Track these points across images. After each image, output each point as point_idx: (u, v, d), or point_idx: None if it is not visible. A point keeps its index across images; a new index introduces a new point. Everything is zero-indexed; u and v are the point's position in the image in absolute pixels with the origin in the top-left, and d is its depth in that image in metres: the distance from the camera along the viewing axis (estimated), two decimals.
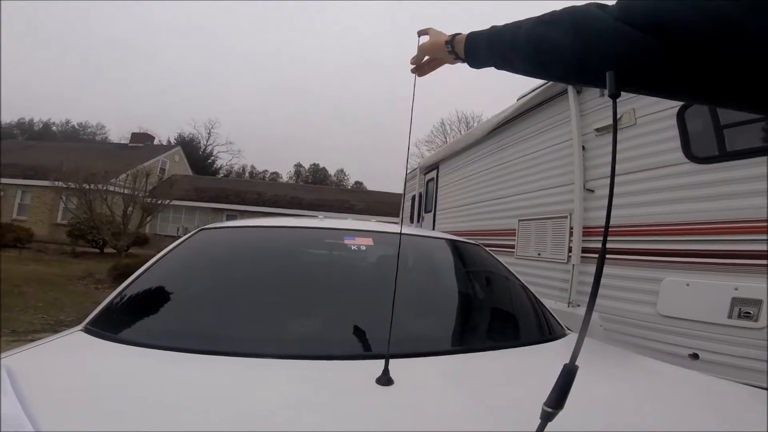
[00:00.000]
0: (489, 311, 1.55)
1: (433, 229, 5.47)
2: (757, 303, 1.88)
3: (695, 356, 2.06)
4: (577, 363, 0.48)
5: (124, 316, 1.14)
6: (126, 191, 11.59)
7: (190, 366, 0.87)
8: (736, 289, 1.95)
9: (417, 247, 1.70)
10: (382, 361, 0.86)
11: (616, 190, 2.23)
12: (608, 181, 1.82)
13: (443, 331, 1.34)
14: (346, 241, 1.50)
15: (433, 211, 5.82)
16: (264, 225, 1.65)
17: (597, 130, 2.84)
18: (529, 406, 0.72)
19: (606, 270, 1.78)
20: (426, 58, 0.92)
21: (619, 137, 2.51)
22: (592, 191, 2.83)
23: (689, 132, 2.23)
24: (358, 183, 55.98)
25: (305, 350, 1.02)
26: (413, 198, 7.09)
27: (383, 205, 21.09)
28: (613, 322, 2.41)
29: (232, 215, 20.45)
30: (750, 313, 1.91)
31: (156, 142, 28.21)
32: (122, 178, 12.16)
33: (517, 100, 3.85)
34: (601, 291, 1.71)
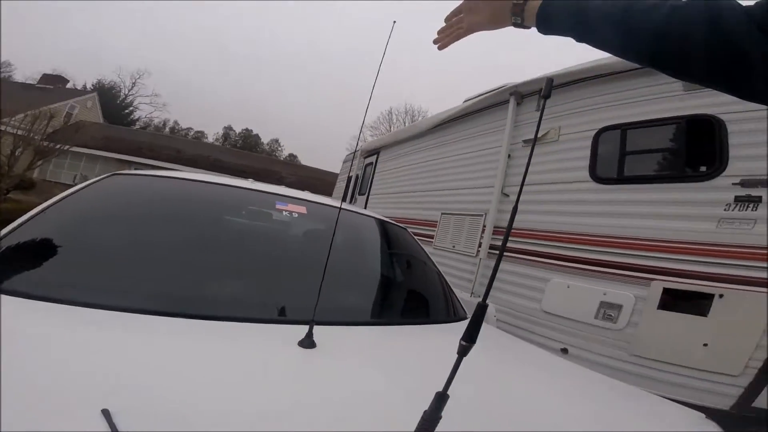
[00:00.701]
0: (407, 290, 1.70)
1: None
2: (619, 307, 2.25)
3: (565, 350, 2.41)
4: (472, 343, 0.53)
5: (9, 263, 0.99)
6: (21, 132, 10.44)
7: (99, 323, 0.81)
8: (605, 294, 2.32)
9: (350, 222, 1.70)
10: (306, 327, 0.91)
11: (530, 197, 2.53)
12: (526, 188, 2.06)
13: (364, 303, 1.44)
14: (278, 206, 1.47)
15: (366, 194, 5.94)
16: (191, 178, 1.52)
17: (524, 141, 3.13)
18: (431, 377, 0.89)
19: (504, 266, 2.06)
20: (458, 18, 0.83)
21: (541, 150, 2.84)
22: (508, 196, 3.14)
23: (598, 154, 2.56)
24: (292, 156, 53.40)
25: (228, 311, 1.01)
26: (349, 179, 7.17)
27: (316, 181, 20.26)
28: (504, 313, 2.75)
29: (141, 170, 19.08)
30: (611, 315, 2.28)
31: (70, 86, 25.79)
32: (19, 118, 10.97)
33: (464, 101, 4.05)
34: (498, 284, 1.97)
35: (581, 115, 2.72)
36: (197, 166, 19.84)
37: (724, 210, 1.95)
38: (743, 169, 1.93)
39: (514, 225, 2.38)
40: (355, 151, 7.17)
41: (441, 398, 0.51)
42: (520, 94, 3.25)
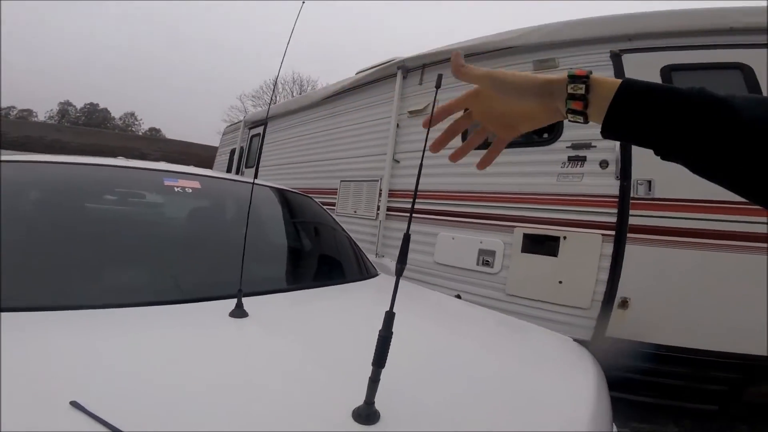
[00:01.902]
0: (322, 255, 1.79)
1: None
2: (493, 253, 2.70)
3: (458, 297, 2.83)
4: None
5: None
6: None
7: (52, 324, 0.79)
8: (481, 242, 2.76)
9: (255, 194, 1.69)
10: (234, 300, 0.95)
11: (417, 162, 2.85)
12: (412, 154, 2.38)
13: (284, 271, 1.53)
14: (167, 183, 1.38)
15: (255, 167, 5.74)
16: (62, 161, 1.35)
17: (410, 112, 3.38)
18: (358, 329, 1.03)
19: (401, 226, 2.42)
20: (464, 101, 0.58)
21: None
22: (398, 162, 3.43)
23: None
24: (153, 129, 46.34)
25: (148, 297, 1.00)
26: (232, 152, 6.83)
27: (188, 156, 17.77)
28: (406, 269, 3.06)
29: None
30: (488, 261, 2.73)
31: None
32: None
33: (356, 73, 4.14)
34: (397, 243, 2.31)
35: (457, 90, 3.08)
36: (27, 149, 15.46)
37: (561, 167, 2.43)
38: (573, 135, 2.40)
39: (406, 188, 2.72)
40: (242, 121, 6.81)
41: (390, 317, 0.60)
42: (406, 68, 3.47)
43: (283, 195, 1.89)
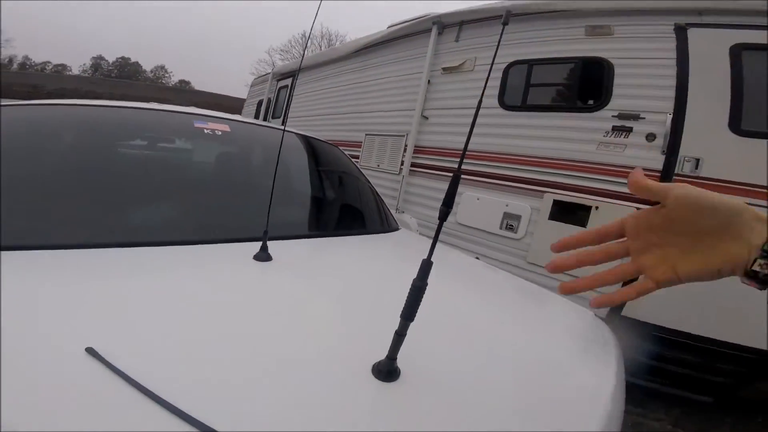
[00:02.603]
0: (345, 204, 1.78)
1: None
2: (518, 218, 2.62)
3: (477, 259, 2.78)
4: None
5: None
6: None
7: (64, 264, 0.77)
8: (507, 206, 2.67)
9: (285, 141, 1.70)
10: (258, 243, 0.95)
11: (446, 120, 2.76)
12: (442, 111, 2.49)
13: (308, 218, 1.53)
14: (197, 125, 1.38)
15: (283, 117, 5.76)
16: (92, 104, 1.35)
17: (443, 69, 3.25)
18: (379, 280, 1.04)
19: (424, 182, 2.32)
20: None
21: (459, 78, 3.03)
22: (427, 118, 3.32)
23: (507, 85, 2.80)
24: (183, 82, 47.26)
25: (179, 236, 1.01)
26: (260, 102, 6.88)
27: (217, 107, 18.06)
28: (425, 227, 3.01)
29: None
30: (513, 225, 2.65)
31: None
32: None
33: (388, 27, 4.00)
34: (419, 200, 2.64)
35: (494, 49, 2.91)
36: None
37: (603, 136, 2.31)
38: (621, 105, 2.26)
39: (433, 144, 2.60)
40: (272, 72, 6.79)
41: (427, 266, 0.56)
42: (442, 24, 3.31)
43: (310, 143, 1.86)
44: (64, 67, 45.14)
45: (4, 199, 0.86)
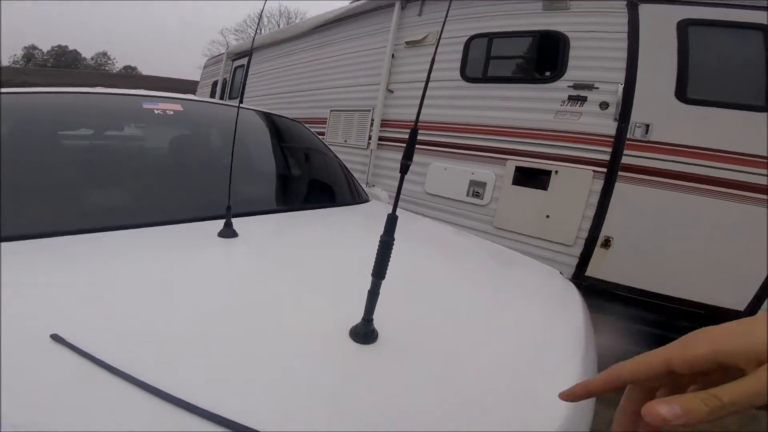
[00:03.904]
0: (310, 178, 1.76)
1: None
2: (483, 185, 2.73)
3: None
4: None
5: None
6: None
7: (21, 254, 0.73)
8: (473, 174, 2.77)
9: (242, 119, 1.58)
10: (220, 221, 0.92)
11: (411, 93, 2.82)
12: (407, 84, 2.67)
13: (273, 193, 1.50)
14: (147, 106, 1.32)
15: (240, 97, 5.58)
16: (29, 91, 1.25)
17: (407, 43, 3.26)
18: (351, 249, 1.02)
19: (392, 155, 2.41)
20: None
21: (422, 52, 3.07)
22: (392, 92, 3.34)
23: (468, 58, 2.86)
24: (129, 68, 43.85)
25: (142, 218, 0.96)
26: (214, 84, 6.65)
27: (169, 91, 16.52)
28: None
29: None
30: (479, 192, 2.75)
31: None
32: None
33: (351, 2, 3.94)
34: (388, 173, 2.75)
35: (455, 22, 2.96)
36: None
37: (560, 105, 2.42)
38: (576, 76, 2.38)
39: (400, 118, 2.74)
40: (225, 52, 6.53)
41: (392, 221, 0.56)
42: None
43: (271, 119, 1.83)
44: None
45: None
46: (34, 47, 43.63)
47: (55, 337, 0.50)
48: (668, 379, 0.34)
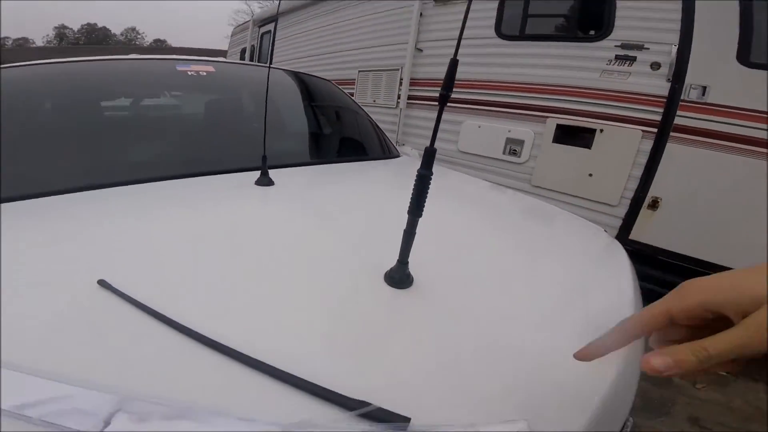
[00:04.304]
0: (342, 134, 1.77)
1: None
2: (521, 142, 2.62)
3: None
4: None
5: None
6: None
7: (74, 206, 0.77)
8: (509, 131, 2.66)
9: (274, 79, 1.62)
10: (257, 172, 0.95)
11: (440, 51, 2.66)
12: (436, 43, 2.74)
13: (305, 147, 1.53)
14: (180, 69, 1.37)
15: (269, 62, 5.62)
16: (71, 60, 1.30)
17: (435, 1, 3.12)
18: (385, 199, 1.04)
19: (424, 114, 2.28)
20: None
21: (451, 10, 2.92)
22: (421, 50, 3.24)
23: (504, 17, 2.70)
24: (158, 41, 44.74)
25: (181, 170, 1.00)
26: (242, 51, 6.76)
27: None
28: None
29: None
30: (516, 150, 2.65)
31: None
32: None
33: None
34: (418, 132, 2.68)
35: None
36: None
37: (606, 64, 2.27)
38: (624, 35, 2.22)
39: (429, 76, 2.66)
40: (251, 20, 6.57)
41: (430, 155, 0.52)
42: None
43: (300, 78, 1.83)
44: (25, 40, 42.70)
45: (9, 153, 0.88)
46: (64, 26, 44.88)
47: (102, 283, 0.51)
48: (678, 328, 0.35)
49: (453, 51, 0.49)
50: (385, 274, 0.58)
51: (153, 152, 1.12)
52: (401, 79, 3.33)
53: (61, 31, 44.39)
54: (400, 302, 0.55)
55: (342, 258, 0.66)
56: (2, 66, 1.18)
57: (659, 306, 0.35)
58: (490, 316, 0.56)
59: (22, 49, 28.36)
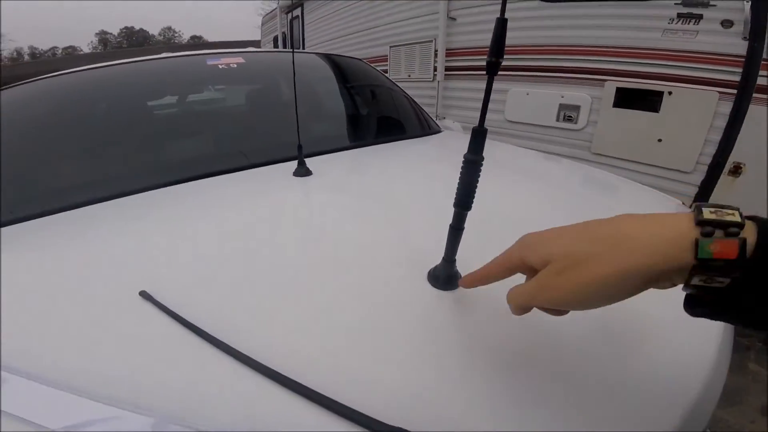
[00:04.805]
0: (379, 113, 1.68)
1: None
2: (577, 108, 2.40)
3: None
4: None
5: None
6: None
7: (102, 217, 0.76)
8: (562, 97, 2.44)
9: (303, 63, 1.62)
10: (294, 162, 0.92)
11: (475, 18, 2.44)
12: (470, 10, 2.48)
13: (342, 131, 1.46)
14: (210, 63, 1.35)
15: (301, 47, 5.64)
16: (103, 65, 1.31)
17: None
18: (429, 181, 0.98)
19: (463, 84, 2.22)
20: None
21: None
22: (455, 19, 3.06)
23: None
24: (195, 37, 46.90)
25: (217, 167, 0.97)
26: (275, 39, 6.85)
27: None
28: (469, 130, 2.84)
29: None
30: (571, 116, 2.44)
31: None
32: None
33: None
34: (459, 103, 2.45)
35: None
36: None
37: (668, 23, 2.02)
38: None
39: (466, 45, 2.47)
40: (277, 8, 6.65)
41: (478, 134, 0.43)
42: None
43: (330, 59, 1.76)
44: (73, 48, 45.22)
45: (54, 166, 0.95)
46: (105, 32, 47.08)
47: (144, 294, 0.49)
48: None
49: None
50: (429, 272, 0.52)
51: (183, 153, 1.11)
52: (436, 50, 3.20)
53: (103, 37, 46.69)
54: (444, 307, 0.48)
55: (383, 254, 0.59)
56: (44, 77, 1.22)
57: (502, 256, 0.37)
58: (547, 326, 0.45)
59: (73, 57, 30.01)
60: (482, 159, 0.43)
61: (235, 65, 1.37)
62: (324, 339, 0.44)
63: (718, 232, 0.25)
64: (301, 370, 0.38)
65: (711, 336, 0.47)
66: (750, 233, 0.25)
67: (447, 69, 3.18)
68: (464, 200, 0.45)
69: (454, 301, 0.49)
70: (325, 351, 0.42)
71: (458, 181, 0.45)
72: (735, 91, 1.90)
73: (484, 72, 0.41)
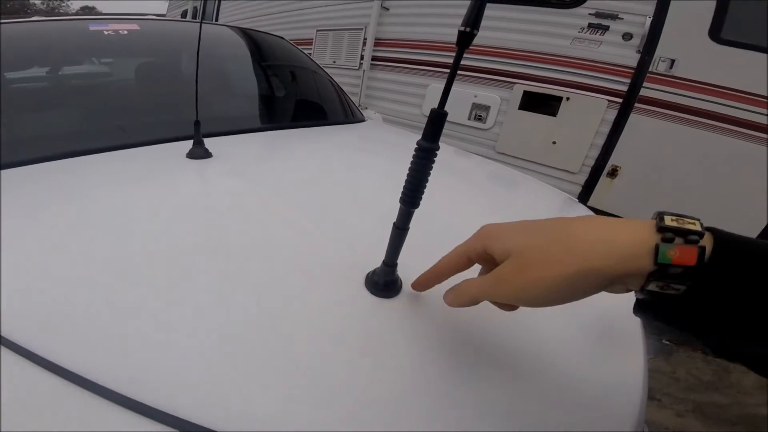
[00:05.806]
0: (298, 96, 1.57)
1: None
2: (487, 108, 2.57)
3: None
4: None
5: None
6: None
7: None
8: (476, 97, 2.60)
9: (212, 35, 1.46)
10: (189, 142, 0.78)
11: (409, 11, 2.46)
12: (403, 2, 2.50)
13: (253, 112, 1.33)
14: (94, 28, 1.15)
15: (213, 20, 5.24)
16: None
17: None
18: (349, 171, 0.90)
19: (389, 76, 2.29)
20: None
21: None
22: (388, 9, 3.08)
23: None
24: (86, 8, 40.60)
25: (96, 144, 0.81)
26: (183, 13, 6.35)
27: None
28: (390, 121, 2.93)
29: None
30: (482, 116, 2.61)
31: None
32: None
33: None
34: (382, 95, 2.45)
35: None
36: None
37: (578, 32, 2.24)
38: (599, 5, 2.19)
39: (397, 36, 2.49)
40: None
41: (437, 118, 0.37)
42: None
43: (247, 34, 1.59)
44: None
45: None
46: None
47: None
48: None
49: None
50: (366, 276, 0.46)
51: (56, 125, 0.93)
52: (365, 39, 3.18)
53: None
54: (386, 318, 0.43)
55: (305, 253, 0.51)
56: None
57: (462, 246, 0.37)
58: (482, 324, 0.44)
59: None
60: (438, 148, 0.38)
61: (126, 32, 1.17)
62: (223, 372, 0.34)
63: (678, 239, 0.26)
64: (210, 418, 0.31)
65: (638, 339, 0.49)
66: (708, 242, 0.26)
67: (374, 59, 3.18)
68: (412, 195, 0.39)
69: (397, 312, 0.43)
70: (226, 389, 0.33)
71: (407, 173, 0.39)
72: (621, 100, 2.17)
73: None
